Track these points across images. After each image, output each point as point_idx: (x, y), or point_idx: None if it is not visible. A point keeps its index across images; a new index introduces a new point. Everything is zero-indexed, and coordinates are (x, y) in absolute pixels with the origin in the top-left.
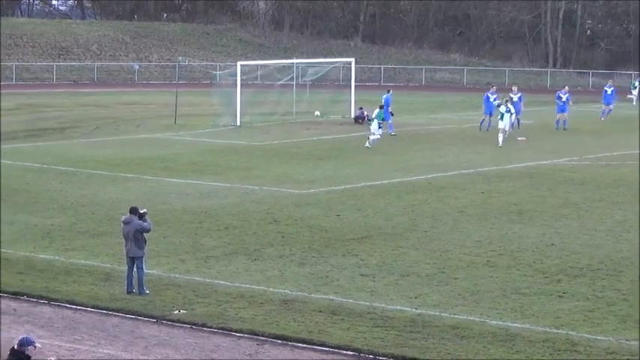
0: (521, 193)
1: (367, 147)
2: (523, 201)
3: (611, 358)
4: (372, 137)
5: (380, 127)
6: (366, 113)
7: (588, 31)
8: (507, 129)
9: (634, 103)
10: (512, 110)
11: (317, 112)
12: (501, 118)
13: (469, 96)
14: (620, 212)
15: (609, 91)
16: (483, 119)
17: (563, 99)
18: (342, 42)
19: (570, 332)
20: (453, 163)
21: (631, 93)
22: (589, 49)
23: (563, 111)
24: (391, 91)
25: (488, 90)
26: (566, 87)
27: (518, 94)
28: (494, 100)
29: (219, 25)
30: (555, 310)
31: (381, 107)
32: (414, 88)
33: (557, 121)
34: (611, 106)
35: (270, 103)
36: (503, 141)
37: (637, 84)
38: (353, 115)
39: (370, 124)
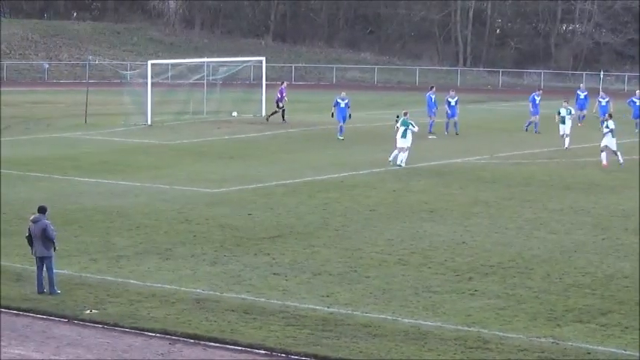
0: (432, 191)
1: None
2: (434, 199)
3: (522, 355)
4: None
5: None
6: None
7: (498, 30)
8: (569, 132)
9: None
10: (573, 111)
11: (234, 113)
12: (562, 122)
13: (380, 95)
14: (531, 210)
15: (582, 96)
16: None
17: (452, 103)
18: (252, 41)
19: (482, 330)
20: (364, 162)
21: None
22: (499, 48)
23: (453, 115)
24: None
25: (430, 90)
26: (453, 91)
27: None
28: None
29: (130, 24)
30: (467, 308)
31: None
32: (324, 86)
33: (447, 124)
34: (584, 112)
35: (181, 102)
36: (569, 143)
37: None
38: (264, 114)
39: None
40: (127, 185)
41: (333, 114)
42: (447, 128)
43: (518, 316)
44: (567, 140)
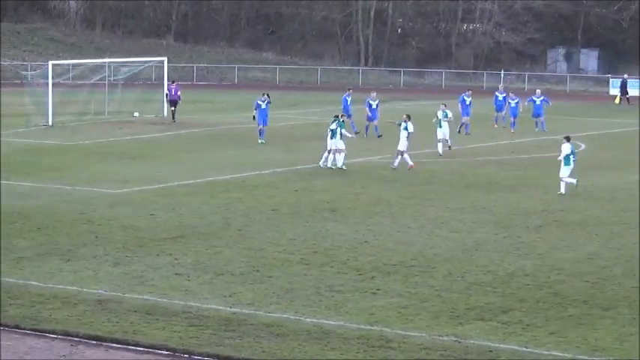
0: (334, 190)
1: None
2: (336, 199)
3: (424, 353)
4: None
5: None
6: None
7: (399, 30)
8: (447, 137)
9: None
10: (450, 114)
11: (136, 113)
12: (439, 125)
13: (282, 94)
14: (433, 209)
15: (501, 97)
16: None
17: (374, 106)
18: (154, 41)
19: (384, 329)
20: (267, 162)
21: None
22: (400, 48)
23: (374, 118)
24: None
25: (347, 92)
26: (374, 93)
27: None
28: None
29: (30, 24)
30: (369, 307)
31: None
32: (226, 86)
33: (367, 127)
34: (503, 113)
35: (82, 102)
36: (443, 148)
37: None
38: (165, 114)
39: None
40: (28, 186)
41: (254, 117)
42: (366, 131)
43: (421, 314)
44: (440, 145)
